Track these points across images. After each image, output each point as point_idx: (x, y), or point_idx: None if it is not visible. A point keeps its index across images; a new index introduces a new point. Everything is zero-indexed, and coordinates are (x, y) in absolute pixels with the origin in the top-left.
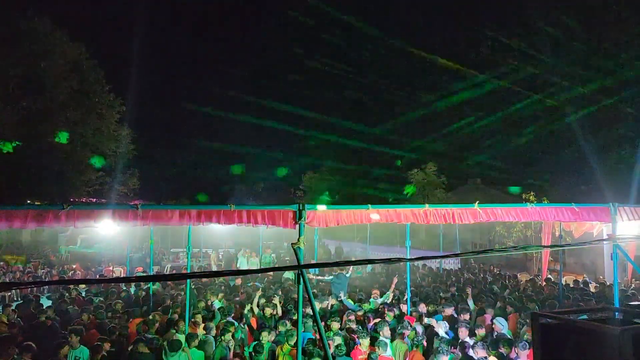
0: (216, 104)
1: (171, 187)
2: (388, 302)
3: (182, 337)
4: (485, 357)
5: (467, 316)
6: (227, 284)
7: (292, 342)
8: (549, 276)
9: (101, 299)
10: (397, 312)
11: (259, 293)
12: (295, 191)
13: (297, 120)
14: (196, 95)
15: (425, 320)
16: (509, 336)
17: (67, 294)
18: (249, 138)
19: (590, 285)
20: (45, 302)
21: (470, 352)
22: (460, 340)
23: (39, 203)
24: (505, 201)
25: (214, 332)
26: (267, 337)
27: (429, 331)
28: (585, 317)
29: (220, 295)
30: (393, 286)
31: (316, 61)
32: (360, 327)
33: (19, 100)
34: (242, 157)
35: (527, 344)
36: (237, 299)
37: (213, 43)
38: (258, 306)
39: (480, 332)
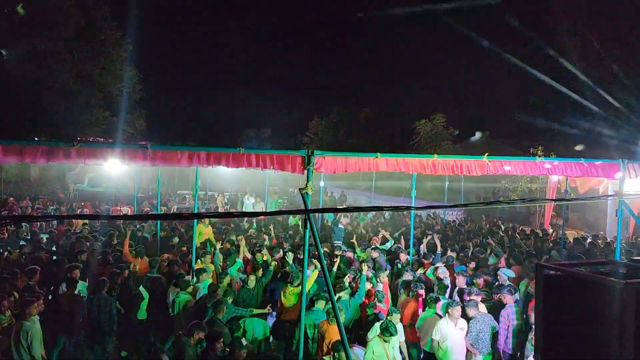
0: (224, 46)
1: (178, 129)
2: (389, 248)
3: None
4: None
5: (471, 265)
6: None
7: (296, 284)
8: (550, 230)
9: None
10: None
11: (243, 242)
12: (302, 137)
13: (307, 64)
14: (204, 36)
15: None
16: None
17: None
18: (257, 82)
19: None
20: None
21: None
22: (457, 288)
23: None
24: (513, 155)
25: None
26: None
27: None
28: (589, 269)
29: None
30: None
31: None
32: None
33: (24, 37)
34: (249, 101)
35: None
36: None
37: None
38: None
39: (479, 281)
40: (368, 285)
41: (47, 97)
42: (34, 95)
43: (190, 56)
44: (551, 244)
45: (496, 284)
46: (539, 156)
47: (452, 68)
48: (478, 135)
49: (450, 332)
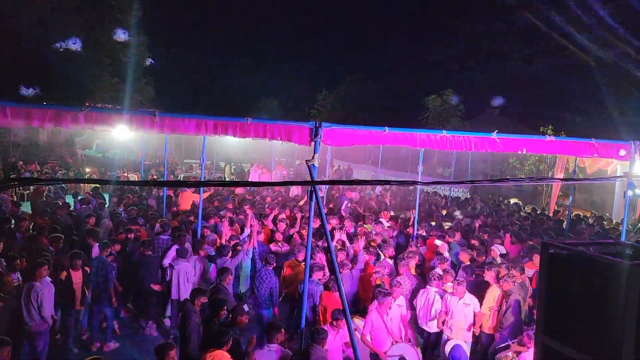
0: (235, 16)
1: (186, 98)
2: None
3: None
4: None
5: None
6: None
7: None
8: (556, 209)
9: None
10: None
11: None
12: (310, 109)
13: (316, 36)
14: (215, 5)
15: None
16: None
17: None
18: (265, 52)
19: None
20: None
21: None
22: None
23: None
24: (522, 133)
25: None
26: None
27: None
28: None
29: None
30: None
31: None
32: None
33: (31, 1)
34: (258, 72)
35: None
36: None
37: None
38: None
39: (481, 258)
40: (365, 257)
41: (55, 61)
42: (42, 60)
43: (200, 25)
44: (549, 224)
45: (488, 259)
46: (549, 135)
47: (465, 44)
48: (487, 112)
49: (454, 306)
